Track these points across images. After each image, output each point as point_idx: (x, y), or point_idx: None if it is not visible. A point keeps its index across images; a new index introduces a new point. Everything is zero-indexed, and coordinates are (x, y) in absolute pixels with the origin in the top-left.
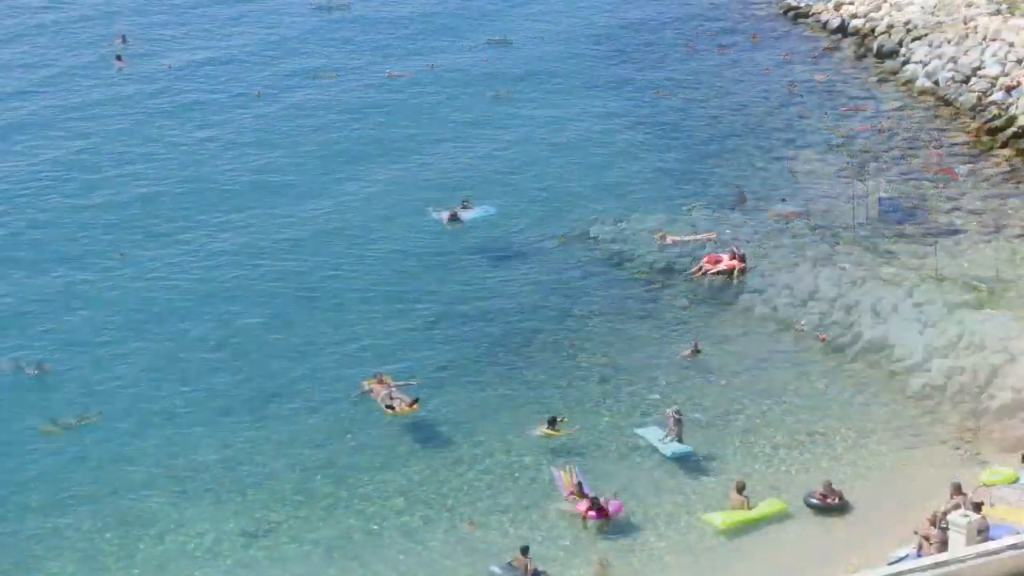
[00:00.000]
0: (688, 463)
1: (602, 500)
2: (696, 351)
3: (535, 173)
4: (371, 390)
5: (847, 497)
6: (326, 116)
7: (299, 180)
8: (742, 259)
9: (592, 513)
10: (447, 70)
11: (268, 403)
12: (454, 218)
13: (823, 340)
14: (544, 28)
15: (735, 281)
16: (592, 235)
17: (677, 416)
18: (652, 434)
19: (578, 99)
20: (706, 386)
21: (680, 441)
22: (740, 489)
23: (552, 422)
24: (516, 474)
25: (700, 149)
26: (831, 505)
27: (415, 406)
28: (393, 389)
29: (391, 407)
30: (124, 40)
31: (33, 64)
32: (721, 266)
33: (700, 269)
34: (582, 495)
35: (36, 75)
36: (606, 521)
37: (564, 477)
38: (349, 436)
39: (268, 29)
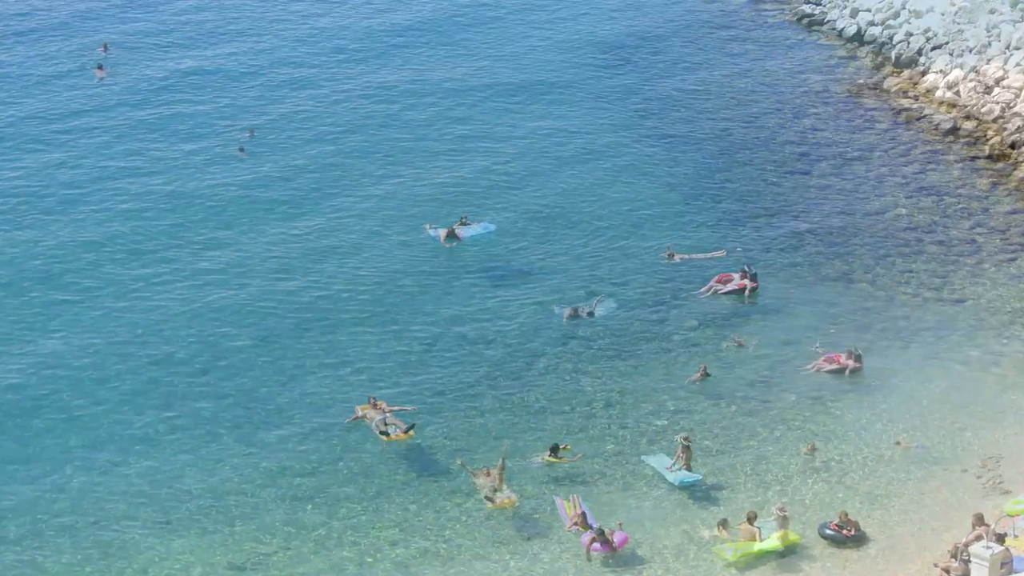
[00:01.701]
0: (697, 492)
1: (607, 532)
2: (705, 374)
3: (536, 188)
4: (365, 415)
5: (864, 527)
6: (317, 128)
7: (289, 195)
8: (753, 278)
9: (597, 545)
10: (444, 80)
11: (257, 429)
12: (451, 235)
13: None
14: (547, 37)
15: (746, 302)
16: (595, 253)
17: (686, 443)
18: (659, 462)
19: (582, 110)
20: (716, 411)
21: (689, 469)
22: (751, 520)
23: (554, 449)
24: (517, 504)
25: (709, 163)
26: (847, 536)
27: (411, 433)
28: (388, 415)
29: (386, 433)
30: (105, 48)
31: (9, 74)
32: (732, 286)
33: (710, 289)
34: (586, 526)
35: (13, 85)
36: (612, 554)
37: (567, 507)
38: (341, 463)
39: (256, 37)
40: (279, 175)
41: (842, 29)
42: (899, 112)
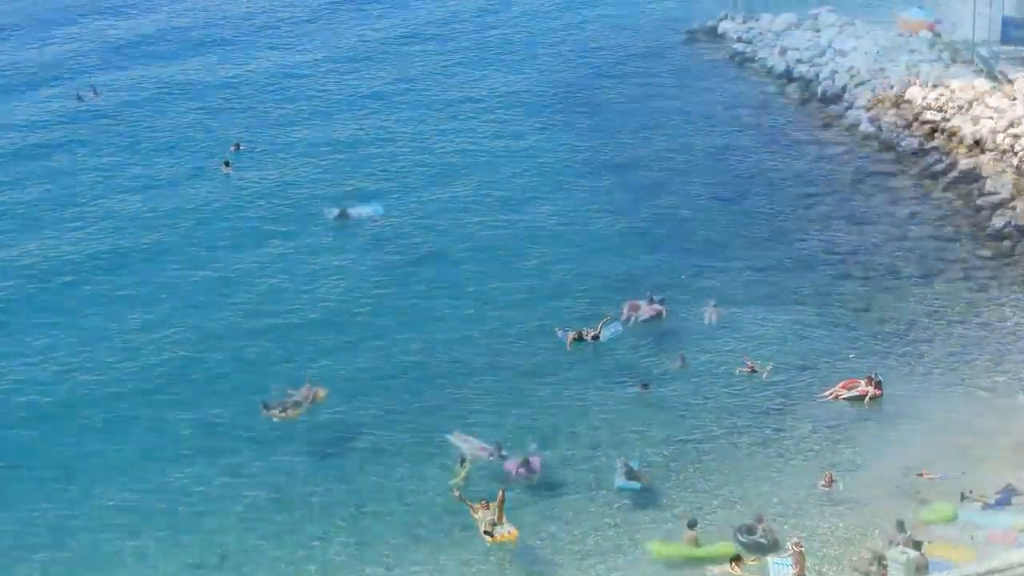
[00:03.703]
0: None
1: (530, 458)
2: (645, 387)
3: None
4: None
5: (785, 534)
6: (305, 141)
7: (276, 211)
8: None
9: (522, 471)
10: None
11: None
12: (343, 215)
13: (751, 370)
14: (482, 80)
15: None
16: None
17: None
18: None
19: (521, 149)
20: (728, 440)
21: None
22: (691, 526)
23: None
24: (517, 538)
25: (646, 199)
26: (758, 541)
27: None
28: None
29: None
30: (96, 93)
31: None
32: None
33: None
34: (502, 456)
35: None
36: (533, 477)
37: (459, 439)
38: (327, 492)
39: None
40: (265, 190)
41: (772, 67)
42: (825, 144)
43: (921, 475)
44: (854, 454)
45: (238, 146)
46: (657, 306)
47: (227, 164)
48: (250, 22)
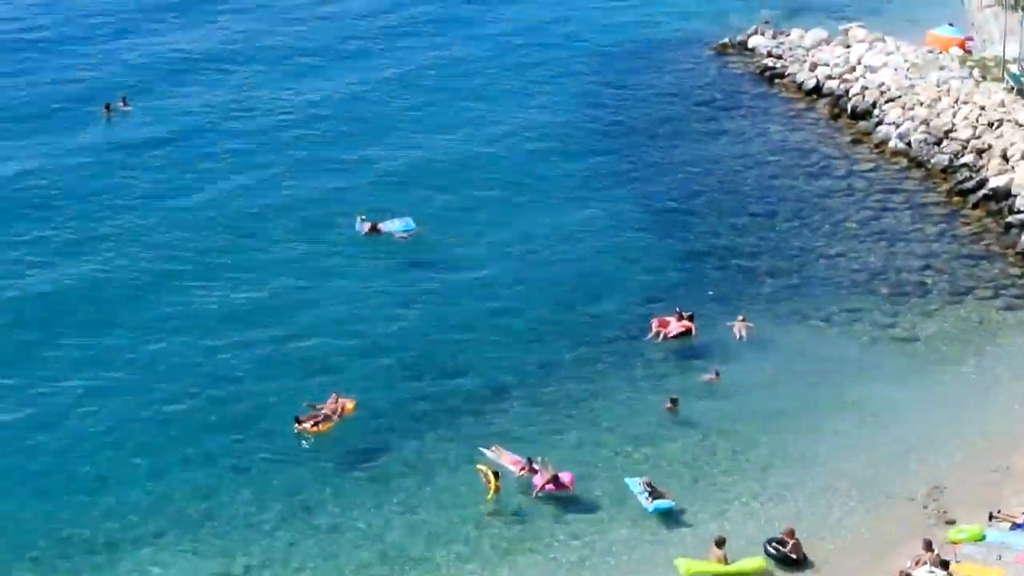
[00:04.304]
0: (671, 518)
1: (560, 474)
2: (674, 405)
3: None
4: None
5: (816, 551)
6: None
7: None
8: (691, 318)
9: (551, 486)
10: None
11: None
12: (373, 229)
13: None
14: (512, 88)
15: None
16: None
17: (649, 487)
18: (636, 485)
19: (545, 159)
20: (685, 441)
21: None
22: (720, 544)
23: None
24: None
25: (672, 209)
26: (788, 555)
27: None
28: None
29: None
30: (125, 102)
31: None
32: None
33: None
34: (533, 471)
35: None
36: (566, 492)
37: (497, 454)
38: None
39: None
40: (294, 204)
41: (802, 82)
42: (856, 160)
43: (999, 514)
44: (874, 472)
45: (124, 100)
46: (686, 322)
47: (108, 107)
48: (303, 43)
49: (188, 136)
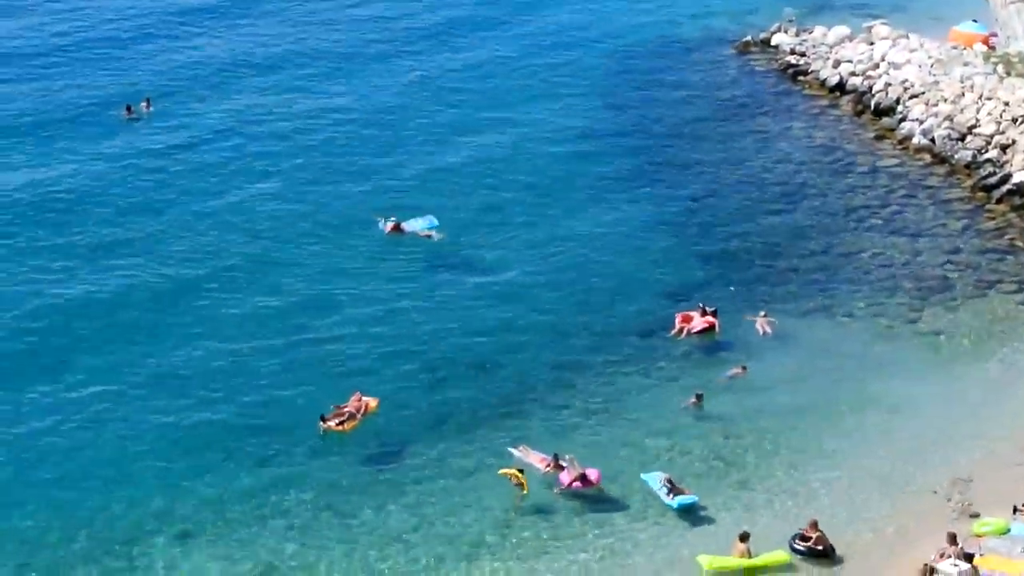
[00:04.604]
0: (694, 514)
1: (587, 471)
2: (698, 400)
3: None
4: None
5: (839, 545)
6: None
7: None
8: (714, 314)
9: (578, 484)
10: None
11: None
12: (396, 228)
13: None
14: (535, 87)
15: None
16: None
17: (668, 483)
18: (655, 481)
19: (569, 154)
20: (710, 439)
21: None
22: (743, 539)
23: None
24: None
25: (696, 205)
26: (814, 548)
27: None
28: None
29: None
30: (148, 103)
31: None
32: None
33: (680, 330)
34: (559, 467)
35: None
36: (593, 489)
37: (524, 453)
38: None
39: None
40: (317, 205)
41: (825, 79)
42: (879, 157)
43: (1023, 507)
44: (898, 466)
45: (148, 101)
46: (710, 318)
47: (129, 109)
48: (325, 47)
49: (211, 140)
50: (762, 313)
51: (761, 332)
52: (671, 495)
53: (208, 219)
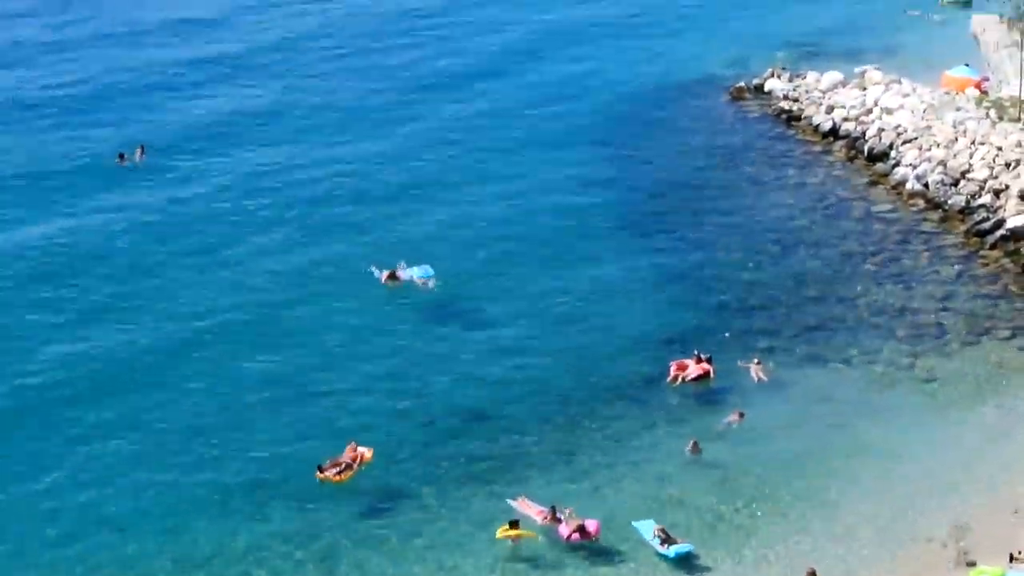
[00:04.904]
0: (691, 562)
1: (586, 523)
2: (695, 447)
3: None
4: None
5: None
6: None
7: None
8: (709, 361)
9: (576, 536)
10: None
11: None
12: (392, 277)
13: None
14: (532, 125)
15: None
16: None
17: (662, 534)
18: (647, 529)
19: (562, 199)
20: (708, 485)
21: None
22: None
23: (514, 523)
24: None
25: (689, 252)
26: None
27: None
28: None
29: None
30: (143, 151)
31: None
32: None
33: (675, 377)
34: (557, 520)
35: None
36: (592, 541)
37: (523, 505)
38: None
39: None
40: (314, 254)
41: (818, 124)
42: (873, 201)
43: (1019, 555)
44: (894, 514)
45: (142, 149)
46: (705, 365)
47: (122, 157)
48: (327, 100)
49: (205, 192)
50: (755, 360)
51: (756, 379)
52: (665, 544)
53: (204, 273)
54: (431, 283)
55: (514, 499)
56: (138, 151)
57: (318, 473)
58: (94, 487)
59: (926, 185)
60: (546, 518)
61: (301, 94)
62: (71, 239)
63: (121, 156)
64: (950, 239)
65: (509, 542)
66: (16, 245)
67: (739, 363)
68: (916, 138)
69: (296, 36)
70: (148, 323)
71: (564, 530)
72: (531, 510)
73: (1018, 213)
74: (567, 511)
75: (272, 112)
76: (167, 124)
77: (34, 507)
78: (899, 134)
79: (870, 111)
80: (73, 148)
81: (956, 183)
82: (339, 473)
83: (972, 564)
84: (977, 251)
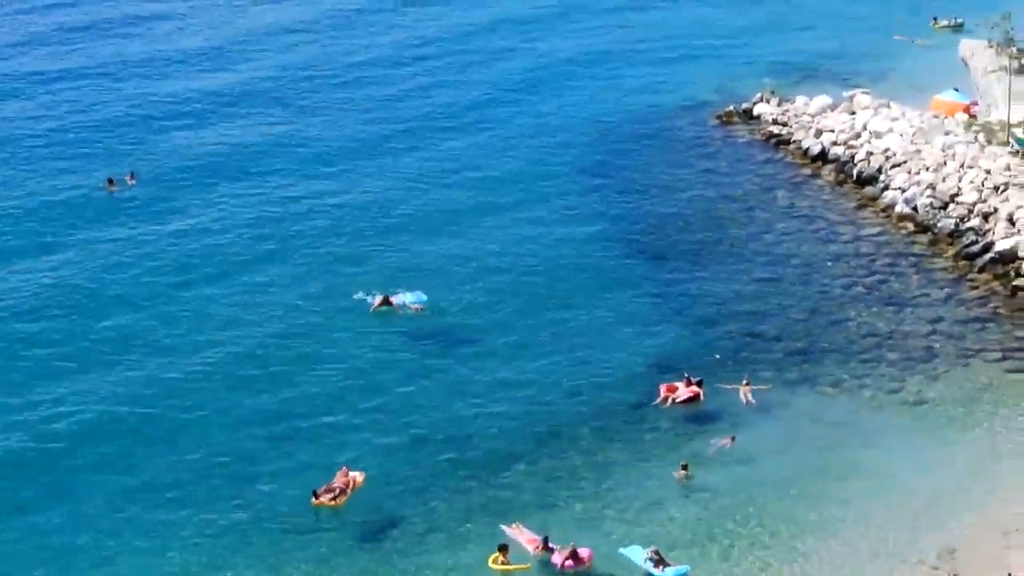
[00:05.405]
0: None
1: (579, 551)
2: (686, 471)
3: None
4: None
5: None
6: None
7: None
8: (699, 384)
9: (570, 563)
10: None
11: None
12: (385, 302)
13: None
14: (518, 155)
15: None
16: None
17: (656, 556)
18: (636, 554)
19: (552, 225)
20: (696, 509)
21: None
22: None
23: (503, 548)
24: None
25: (679, 275)
26: None
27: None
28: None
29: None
30: (132, 177)
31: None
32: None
33: (664, 399)
34: (549, 549)
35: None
36: (585, 568)
37: (516, 532)
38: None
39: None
40: (307, 279)
41: (807, 148)
42: (861, 226)
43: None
44: (885, 536)
45: (132, 175)
46: (695, 387)
47: (111, 183)
48: (321, 134)
49: (196, 224)
50: (744, 381)
51: (744, 401)
52: (659, 567)
53: (195, 304)
54: (424, 309)
55: (508, 525)
56: (128, 177)
57: (313, 499)
58: (90, 524)
59: (915, 208)
60: (538, 547)
61: (295, 126)
62: (63, 274)
63: (111, 182)
64: (939, 262)
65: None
66: (9, 284)
67: (727, 386)
68: (905, 162)
69: (291, 69)
70: (140, 359)
71: (557, 558)
72: (523, 537)
73: (1007, 236)
74: (559, 547)
75: (267, 145)
76: (161, 156)
77: (33, 544)
78: (888, 158)
79: (859, 135)
80: (64, 181)
81: (945, 206)
82: (334, 498)
83: None
84: (966, 274)
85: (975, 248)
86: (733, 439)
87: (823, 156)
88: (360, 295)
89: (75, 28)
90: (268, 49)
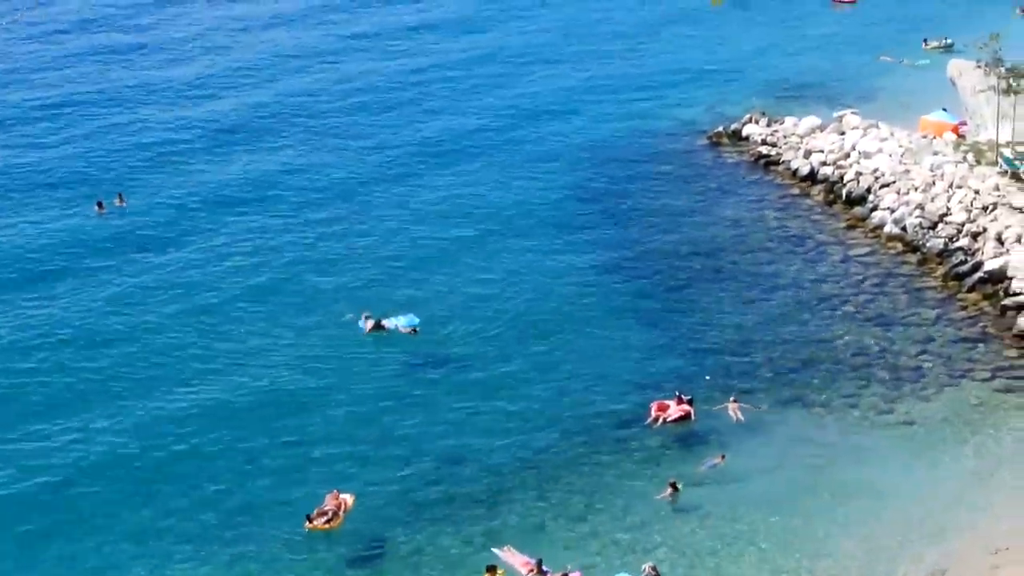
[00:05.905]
0: None
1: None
2: (675, 490)
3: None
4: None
5: None
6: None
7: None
8: (690, 403)
9: None
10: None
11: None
12: (377, 326)
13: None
14: (514, 176)
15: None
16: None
17: (653, 572)
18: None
19: (546, 245)
20: (687, 528)
21: None
22: None
23: (491, 569)
24: None
25: (669, 295)
26: None
27: None
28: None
29: None
30: (121, 198)
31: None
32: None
33: (656, 419)
34: (543, 572)
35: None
36: None
37: (508, 555)
38: None
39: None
40: (299, 302)
41: (796, 169)
42: (851, 245)
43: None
44: (875, 556)
45: (121, 196)
46: (686, 406)
47: (100, 205)
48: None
49: (184, 243)
50: (732, 398)
51: (733, 418)
52: None
53: (183, 317)
54: (416, 332)
55: (500, 548)
56: (117, 198)
57: (307, 524)
58: (84, 558)
59: (904, 228)
60: (532, 570)
61: (288, 155)
62: (56, 309)
63: (100, 204)
64: (928, 282)
65: None
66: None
67: (715, 407)
68: (894, 182)
69: (284, 98)
70: (129, 391)
71: None
72: (516, 560)
73: (996, 256)
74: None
75: (258, 173)
76: (152, 185)
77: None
78: (877, 178)
79: (848, 155)
80: (54, 209)
81: (934, 226)
82: (328, 521)
83: None
84: (955, 294)
85: (964, 268)
86: (723, 457)
87: (812, 176)
88: (352, 318)
89: (67, 55)
90: (260, 78)
